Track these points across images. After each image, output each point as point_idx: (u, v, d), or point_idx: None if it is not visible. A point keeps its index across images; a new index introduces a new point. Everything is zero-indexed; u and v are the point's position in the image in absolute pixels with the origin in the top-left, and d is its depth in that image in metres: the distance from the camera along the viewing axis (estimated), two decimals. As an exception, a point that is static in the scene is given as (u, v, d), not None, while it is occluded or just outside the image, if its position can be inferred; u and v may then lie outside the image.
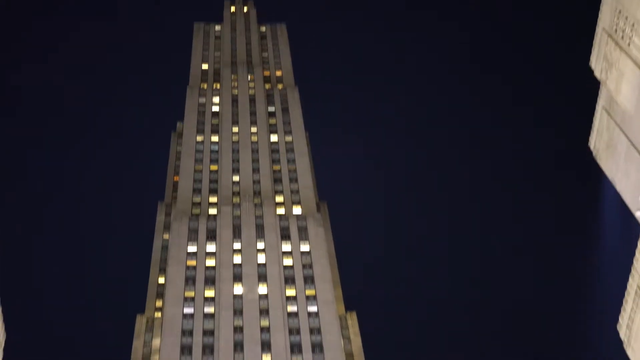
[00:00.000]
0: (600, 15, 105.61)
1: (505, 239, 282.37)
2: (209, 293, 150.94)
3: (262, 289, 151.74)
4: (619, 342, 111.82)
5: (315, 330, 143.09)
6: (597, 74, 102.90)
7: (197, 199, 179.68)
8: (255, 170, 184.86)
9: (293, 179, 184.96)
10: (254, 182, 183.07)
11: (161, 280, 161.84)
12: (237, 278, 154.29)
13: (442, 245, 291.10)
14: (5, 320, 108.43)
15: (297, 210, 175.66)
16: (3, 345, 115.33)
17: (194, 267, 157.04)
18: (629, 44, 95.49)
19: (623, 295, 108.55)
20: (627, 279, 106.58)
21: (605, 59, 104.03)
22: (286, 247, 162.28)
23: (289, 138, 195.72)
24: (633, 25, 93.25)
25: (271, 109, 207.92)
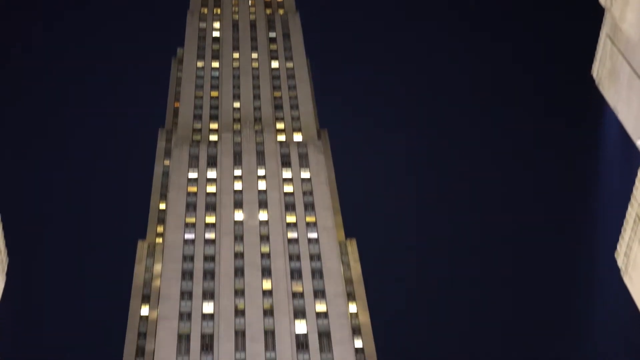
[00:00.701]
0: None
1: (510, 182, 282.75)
2: (210, 219, 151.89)
3: (263, 215, 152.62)
4: (617, 270, 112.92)
5: (315, 257, 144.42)
6: (601, 0, 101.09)
7: (197, 126, 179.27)
8: (256, 96, 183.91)
9: (294, 106, 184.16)
10: (254, 108, 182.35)
11: (162, 206, 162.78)
12: (238, 204, 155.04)
13: (442, 172, 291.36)
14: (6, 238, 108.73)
15: (297, 137, 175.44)
16: (6, 269, 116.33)
17: (195, 194, 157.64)
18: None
19: (621, 224, 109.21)
20: (625, 209, 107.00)
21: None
22: (286, 174, 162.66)
23: (290, 64, 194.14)
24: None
25: (272, 34, 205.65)
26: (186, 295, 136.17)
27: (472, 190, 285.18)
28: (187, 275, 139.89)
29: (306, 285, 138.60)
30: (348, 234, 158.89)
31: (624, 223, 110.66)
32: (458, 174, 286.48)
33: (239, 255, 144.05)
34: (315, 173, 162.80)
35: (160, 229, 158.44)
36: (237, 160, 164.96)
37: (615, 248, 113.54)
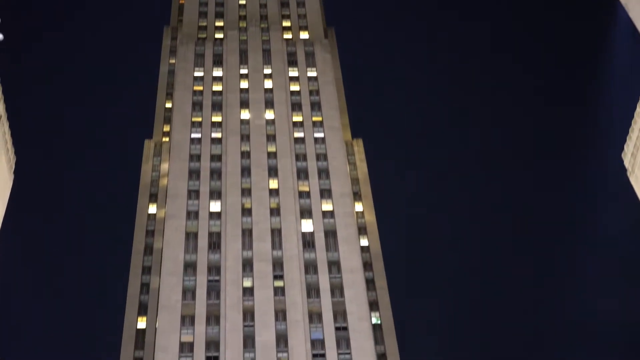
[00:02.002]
0: None
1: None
2: (216, 118, 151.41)
3: (269, 114, 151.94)
4: (623, 170, 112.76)
5: (321, 156, 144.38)
6: None
7: (203, 23, 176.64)
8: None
9: (300, 3, 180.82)
10: (260, 5, 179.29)
11: (168, 105, 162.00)
12: (244, 103, 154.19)
13: (452, 67, 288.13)
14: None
15: (304, 35, 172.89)
16: (13, 167, 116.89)
17: (201, 92, 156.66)
18: None
19: (629, 124, 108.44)
20: (634, 108, 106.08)
21: None
22: (293, 72, 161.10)
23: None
24: None
25: None
26: (193, 194, 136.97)
27: (481, 95, 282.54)
28: (194, 174, 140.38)
29: (312, 184, 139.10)
30: (354, 134, 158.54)
31: (632, 123, 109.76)
32: (468, 70, 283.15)
33: (245, 155, 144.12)
34: (322, 72, 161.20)
35: (166, 128, 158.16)
36: (243, 59, 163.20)
37: (622, 148, 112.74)
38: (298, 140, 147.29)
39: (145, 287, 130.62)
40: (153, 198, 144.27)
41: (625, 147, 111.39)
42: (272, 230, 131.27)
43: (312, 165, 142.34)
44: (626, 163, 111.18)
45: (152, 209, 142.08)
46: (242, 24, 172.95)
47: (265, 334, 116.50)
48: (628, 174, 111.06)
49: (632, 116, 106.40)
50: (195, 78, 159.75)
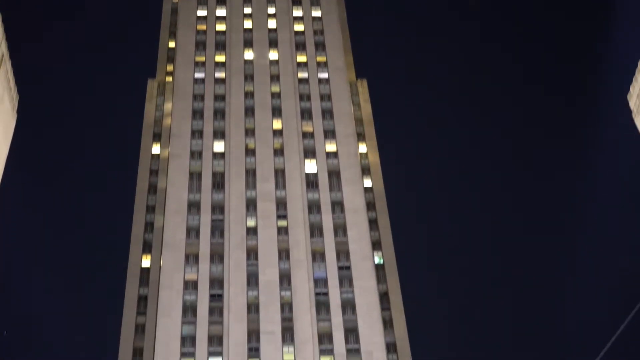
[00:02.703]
0: None
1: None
2: (220, 58, 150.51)
3: (273, 54, 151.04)
4: (628, 112, 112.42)
5: (325, 97, 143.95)
6: None
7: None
8: None
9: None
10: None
11: (171, 44, 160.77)
12: (248, 43, 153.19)
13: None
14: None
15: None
16: (16, 107, 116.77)
17: (204, 32, 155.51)
18: None
19: (636, 66, 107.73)
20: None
21: None
22: (297, 12, 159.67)
23: None
24: None
25: None
26: (197, 133, 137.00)
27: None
28: (197, 114, 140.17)
29: (316, 125, 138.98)
30: (359, 75, 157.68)
31: (638, 64, 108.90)
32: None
33: (249, 95, 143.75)
34: (327, 12, 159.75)
35: (170, 67, 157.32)
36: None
37: (627, 90, 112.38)
38: (302, 81, 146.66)
39: (149, 226, 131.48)
40: (157, 138, 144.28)
41: (630, 88, 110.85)
42: (276, 171, 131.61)
43: (316, 106, 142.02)
44: (631, 105, 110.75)
45: (156, 148, 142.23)
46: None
47: (268, 273, 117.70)
48: (633, 115, 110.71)
49: (639, 57, 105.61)
50: (199, 17, 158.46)
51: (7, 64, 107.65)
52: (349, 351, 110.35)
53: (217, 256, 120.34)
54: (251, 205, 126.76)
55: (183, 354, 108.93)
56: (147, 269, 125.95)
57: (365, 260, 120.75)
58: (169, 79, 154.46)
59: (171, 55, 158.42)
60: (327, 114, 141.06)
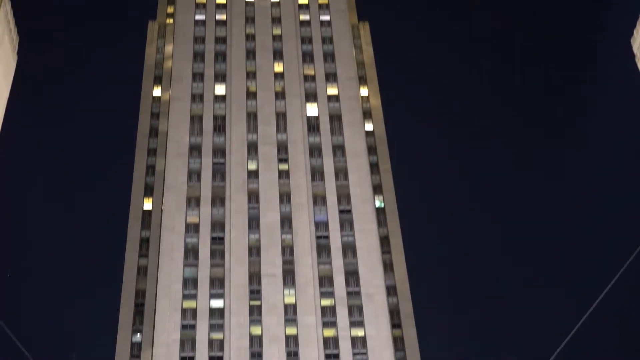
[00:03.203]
0: None
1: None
2: None
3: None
4: (632, 56, 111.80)
5: (327, 40, 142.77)
6: None
7: None
8: None
9: None
10: None
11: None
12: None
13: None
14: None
15: None
16: (17, 49, 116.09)
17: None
18: None
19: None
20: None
21: None
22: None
23: None
24: None
25: None
26: (198, 76, 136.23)
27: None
28: (198, 56, 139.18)
29: (318, 68, 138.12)
30: (361, 17, 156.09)
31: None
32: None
33: (250, 37, 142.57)
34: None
35: (170, 9, 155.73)
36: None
37: (631, 34, 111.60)
38: (303, 23, 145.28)
39: (150, 169, 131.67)
40: (157, 81, 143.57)
41: (634, 32, 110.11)
42: (277, 114, 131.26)
43: (317, 49, 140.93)
44: (635, 49, 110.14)
45: (157, 91, 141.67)
46: None
47: (269, 216, 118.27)
48: (636, 60, 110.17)
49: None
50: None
51: (7, 6, 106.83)
52: (349, 294, 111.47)
53: (218, 199, 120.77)
54: (252, 149, 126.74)
55: (185, 296, 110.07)
56: (149, 212, 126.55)
57: (366, 203, 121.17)
58: (169, 21, 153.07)
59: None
60: (329, 56, 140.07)
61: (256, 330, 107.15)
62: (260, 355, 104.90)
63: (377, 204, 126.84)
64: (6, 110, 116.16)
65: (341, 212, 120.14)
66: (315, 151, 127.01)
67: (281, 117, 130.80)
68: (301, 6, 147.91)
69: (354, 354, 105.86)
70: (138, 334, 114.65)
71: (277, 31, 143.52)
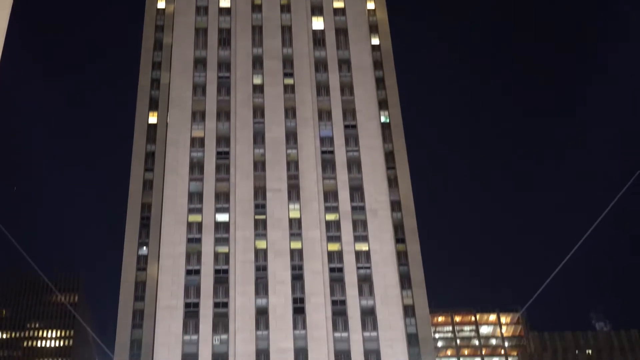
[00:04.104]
0: None
1: None
2: None
3: None
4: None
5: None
6: None
7: None
8: None
9: None
10: None
11: None
12: None
13: None
14: None
15: None
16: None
17: None
18: None
19: None
20: None
21: None
22: None
23: None
24: None
25: None
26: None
27: None
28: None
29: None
30: None
31: None
32: None
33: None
34: None
35: None
36: None
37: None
38: None
39: (155, 83, 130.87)
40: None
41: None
42: (282, 27, 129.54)
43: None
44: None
45: (161, 4, 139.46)
46: None
47: (275, 131, 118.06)
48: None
49: None
50: None
51: None
52: (353, 209, 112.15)
53: (223, 113, 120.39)
54: (257, 63, 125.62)
55: (190, 210, 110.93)
56: (154, 126, 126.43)
57: (372, 119, 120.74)
58: None
59: None
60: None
61: (261, 244, 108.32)
62: (265, 268, 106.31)
63: (383, 119, 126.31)
64: (9, 21, 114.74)
65: (346, 127, 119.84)
66: (320, 65, 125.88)
67: (287, 31, 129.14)
68: None
69: (358, 268, 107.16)
70: (144, 247, 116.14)
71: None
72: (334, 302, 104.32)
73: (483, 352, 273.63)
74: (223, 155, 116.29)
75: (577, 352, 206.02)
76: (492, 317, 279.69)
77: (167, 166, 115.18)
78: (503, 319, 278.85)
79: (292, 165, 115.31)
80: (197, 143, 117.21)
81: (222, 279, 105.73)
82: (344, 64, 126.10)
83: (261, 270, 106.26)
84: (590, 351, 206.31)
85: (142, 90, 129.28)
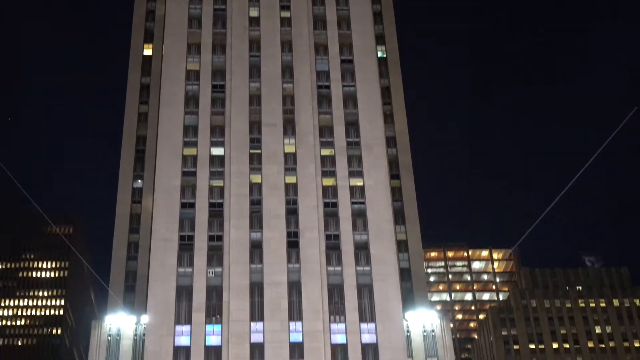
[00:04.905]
0: None
1: None
2: None
3: None
4: None
5: None
6: None
7: None
8: None
9: None
10: None
11: None
12: None
13: None
14: None
15: None
16: None
17: None
18: None
19: None
20: None
21: None
22: None
23: None
24: None
25: None
26: None
27: None
28: None
29: None
30: None
31: None
32: None
33: None
34: None
35: None
36: None
37: None
38: None
39: (150, 15, 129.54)
40: None
41: None
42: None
43: None
44: None
45: None
46: None
47: (270, 65, 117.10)
48: None
49: None
50: None
51: None
52: (349, 144, 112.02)
53: (219, 46, 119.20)
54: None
55: (185, 143, 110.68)
56: (149, 58, 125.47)
57: (368, 53, 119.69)
58: None
59: None
60: None
61: (256, 179, 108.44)
62: (259, 202, 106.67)
63: (380, 54, 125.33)
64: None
65: (343, 61, 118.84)
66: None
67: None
68: None
69: (352, 203, 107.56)
70: (139, 180, 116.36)
71: None
72: (327, 237, 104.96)
73: (474, 287, 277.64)
74: (218, 89, 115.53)
75: (567, 288, 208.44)
76: (485, 253, 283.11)
77: (162, 99, 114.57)
78: (495, 255, 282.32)
79: (288, 99, 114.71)
80: (193, 76, 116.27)
81: (216, 212, 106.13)
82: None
83: (256, 205, 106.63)
84: (580, 287, 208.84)
85: (137, 22, 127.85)
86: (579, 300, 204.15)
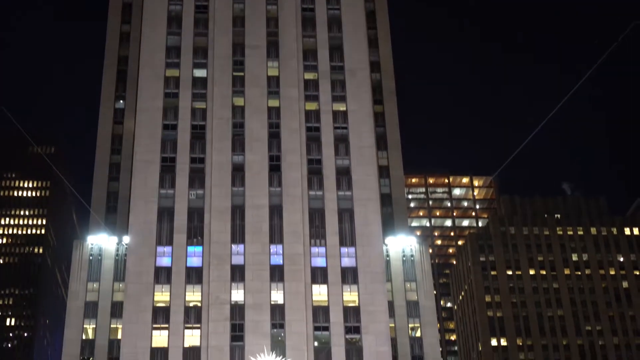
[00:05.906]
0: None
1: None
2: None
3: None
4: None
5: None
6: None
7: None
8: None
9: None
10: None
11: None
12: None
13: None
14: None
15: None
16: None
17: None
18: None
19: None
20: None
21: None
22: None
23: None
24: None
25: None
26: None
27: None
28: None
29: None
30: None
31: None
32: None
33: None
34: None
35: None
36: None
37: None
38: None
39: None
40: None
41: None
42: None
43: None
44: None
45: None
46: None
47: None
48: None
49: None
50: None
51: None
52: (332, 68, 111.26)
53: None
54: None
55: (168, 64, 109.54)
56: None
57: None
58: None
59: None
60: None
61: (239, 101, 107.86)
62: (242, 125, 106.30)
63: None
64: None
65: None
66: None
67: None
68: None
69: (335, 128, 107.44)
70: (121, 101, 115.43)
71: None
72: (309, 161, 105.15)
73: (454, 214, 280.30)
74: (202, 10, 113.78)
75: (546, 216, 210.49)
76: (465, 179, 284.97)
77: (145, 19, 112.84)
78: (475, 182, 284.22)
79: (272, 22, 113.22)
80: (174, 25, 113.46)
81: (199, 134, 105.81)
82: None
83: (238, 127, 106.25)
84: (559, 215, 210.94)
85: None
86: (557, 228, 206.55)
